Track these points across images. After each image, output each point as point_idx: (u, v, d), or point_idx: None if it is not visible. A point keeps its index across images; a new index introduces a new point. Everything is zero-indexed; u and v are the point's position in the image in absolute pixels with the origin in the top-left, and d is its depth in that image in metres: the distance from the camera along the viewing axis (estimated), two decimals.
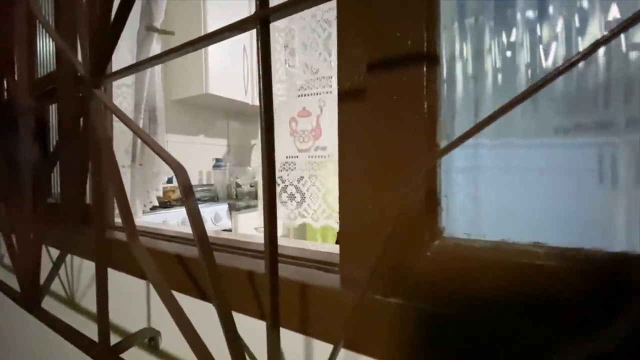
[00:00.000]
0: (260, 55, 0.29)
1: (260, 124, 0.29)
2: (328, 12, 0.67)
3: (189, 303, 0.45)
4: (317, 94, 0.70)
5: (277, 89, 0.75)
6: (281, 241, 0.58)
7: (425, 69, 0.30)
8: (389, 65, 0.32)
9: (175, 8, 1.81)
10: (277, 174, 0.76)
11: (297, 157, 0.73)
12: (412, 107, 0.31)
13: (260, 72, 0.29)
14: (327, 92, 0.69)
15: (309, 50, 0.69)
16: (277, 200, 0.76)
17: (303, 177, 0.73)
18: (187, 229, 0.84)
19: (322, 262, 0.44)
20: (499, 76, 0.32)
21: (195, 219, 0.34)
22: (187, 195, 0.35)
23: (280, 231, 2.13)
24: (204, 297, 0.45)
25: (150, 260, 0.42)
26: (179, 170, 0.35)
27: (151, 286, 0.57)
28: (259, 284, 0.41)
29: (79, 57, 0.52)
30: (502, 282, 0.27)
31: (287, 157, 0.76)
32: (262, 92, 0.29)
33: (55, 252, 0.77)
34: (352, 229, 0.38)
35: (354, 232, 0.37)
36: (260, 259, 0.50)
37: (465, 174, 0.33)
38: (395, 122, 0.32)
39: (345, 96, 0.38)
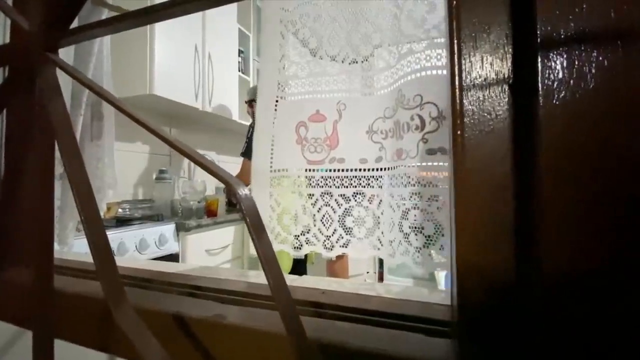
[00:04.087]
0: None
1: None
2: None
3: None
4: (334, 94, 0.58)
5: (280, 85, 0.61)
6: (330, 284, 0.44)
7: None
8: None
9: None
10: (278, 190, 0.61)
11: (307, 170, 0.59)
12: None
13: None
14: (348, 92, 0.58)
15: (327, 41, 0.58)
16: (276, 224, 0.61)
17: (313, 195, 0.59)
18: (151, 264, 0.63)
19: (413, 318, 0.31)
20: None
21: (276, 274, 0.20)
22: (260, 235, 0.20)
23: (229, 255, 1.91)
24: None
25: (149, 335, 0.25)
26: (244, 198, 0.21)
27: None
28: None
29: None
30: None
31: (282, 170, 0.61)
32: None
33: None
34: (489, 277, 0.26)
35: (493, 280, 0.26)
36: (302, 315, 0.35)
37: None
38: None
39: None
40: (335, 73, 0.58)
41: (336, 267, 2.30)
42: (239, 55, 2.43)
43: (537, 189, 0.25)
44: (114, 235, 1.24)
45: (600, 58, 0.23)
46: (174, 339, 0.33)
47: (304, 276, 0.47)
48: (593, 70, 0.23)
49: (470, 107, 0.28)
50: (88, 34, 0.31)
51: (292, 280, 0.45)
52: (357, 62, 0.57)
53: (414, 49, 0.49)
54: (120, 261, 0.58)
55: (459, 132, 0.27)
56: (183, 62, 1.86)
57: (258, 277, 0.48)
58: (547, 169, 0.24)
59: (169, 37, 1.76)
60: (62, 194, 0.73)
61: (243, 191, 0.21)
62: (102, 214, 0.78)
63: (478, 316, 0.27)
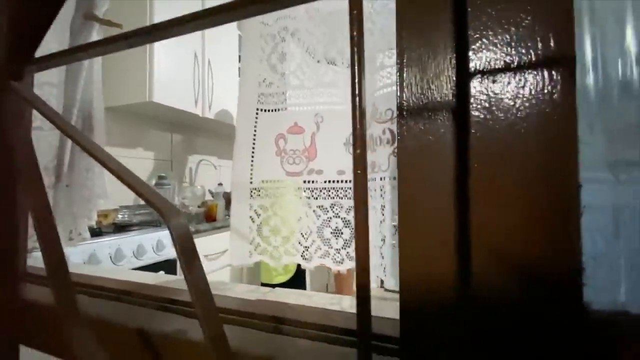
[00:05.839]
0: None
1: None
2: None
3: None
4: (312, 106, 0.59)
5: (260, 97, 0.62)
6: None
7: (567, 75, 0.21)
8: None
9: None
10: (258, 201, 0.62)
11: (282, 181, 0.60)
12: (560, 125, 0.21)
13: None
14: (325, 104, 0.59)
15: (305, 54, 0.59)
16: (256, 235, 0.62)
17: (293, 206, 0.60)
18: (133, 274, 0.65)
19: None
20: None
21: (205, 303, 0.21)
22: (190, 264, 0.21)
23: (227, 260, 1.91)
24: None
25: (97, 348, 0.26)
26: (176, 222, 0.22)
27: None
28: None
29: None
30: None
31: (261, 181, 0.62)
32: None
33: None
34: (425, 291, 0.26)
35: (428, 297, 0.26)
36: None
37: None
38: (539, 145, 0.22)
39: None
40: (313, 86, 0.59)
41: (343, 277, 2.27)
42: (239, 61, 2.46)
43: (468, 218, 0.25)
44: (111, 242, 1.27)
45: (527, 86, 0.23)
46: (135, 354, 0.34)
47: (277, 289, 0.47)
48: (520, 98, 0.23)
49: (414, 128, 0.29)
50: (55, 62, 0.32)
51: (264, 293, 0.45)
52: (334, 76, 0.58)
53: (385, 63, 0.50)
54: (108, 272, 0.60)
55: (402, 153, 0.28)
56: (182, 68, 1.89)
57: (233, 289, 0.49)
58: (476, 192, 0.24)
59: (168, 44, 1.79)
60: (53, 205, 0.75)
61: (177, 220, 0.22)
62: (92, 222, 0.80)
63: (420, 333, 0.27)
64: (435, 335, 0.27)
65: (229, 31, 2.34)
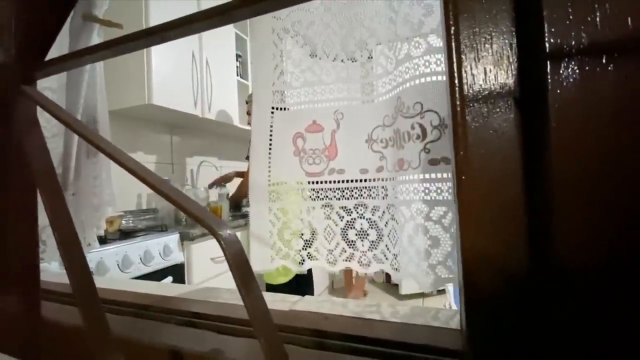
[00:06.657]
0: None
1: None
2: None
3: None
4: (331, 103, 0.56)
5: (275, 95, 0.59)
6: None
7: None
8: None
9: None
10: (277, 204, 0.60)
11: (306, 182, 0.57)
12: None
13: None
14: (345, 100, 0.56)
15: (322, 48, 0.56)
16: (277, 239, 0.60)
17: (314, 208, 0.57)
18: (146, 285, 0.62)
19: (421, 348, 0.29)
20: None
21: (268, 334, 0.18)
22: (247, 286, 0.18)
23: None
24: None
25: None
26: (227, 237, 0.19)
27: None
28: None
29: None
30: None
31: (280, 183, 0.60)
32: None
33: None
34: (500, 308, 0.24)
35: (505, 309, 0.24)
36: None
37: None
38: None
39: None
40: (331, 81, 0.56)
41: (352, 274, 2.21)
42: (236, 60, 2.42)
43: (548, 214, 0.23)
44: (118, 249, 1.24)
45: (616, 70, 0.20)
46: None
47: (306, 297, 0.45)
48: (608, 84, 0.21)
49: (473, 123, 0.26)
50: (67, 64, 0.29)
51: (293, 303, 0.43)
52: (353, 70, 0.55)
53: (412, 54, 0.47)
54: (120, 284, 0.57)
55: (461, 152, 0.25)
56: (180, 69, 1.85)
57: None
58: (559, 195, 0.22)
59: (166, 45, 1.74)
60: None
61: (227, 233, 0.19)
62: (101, 231, 0.77)
63: (491, 350, 0.25)
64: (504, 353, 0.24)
65: (226, 29, 2.29)
